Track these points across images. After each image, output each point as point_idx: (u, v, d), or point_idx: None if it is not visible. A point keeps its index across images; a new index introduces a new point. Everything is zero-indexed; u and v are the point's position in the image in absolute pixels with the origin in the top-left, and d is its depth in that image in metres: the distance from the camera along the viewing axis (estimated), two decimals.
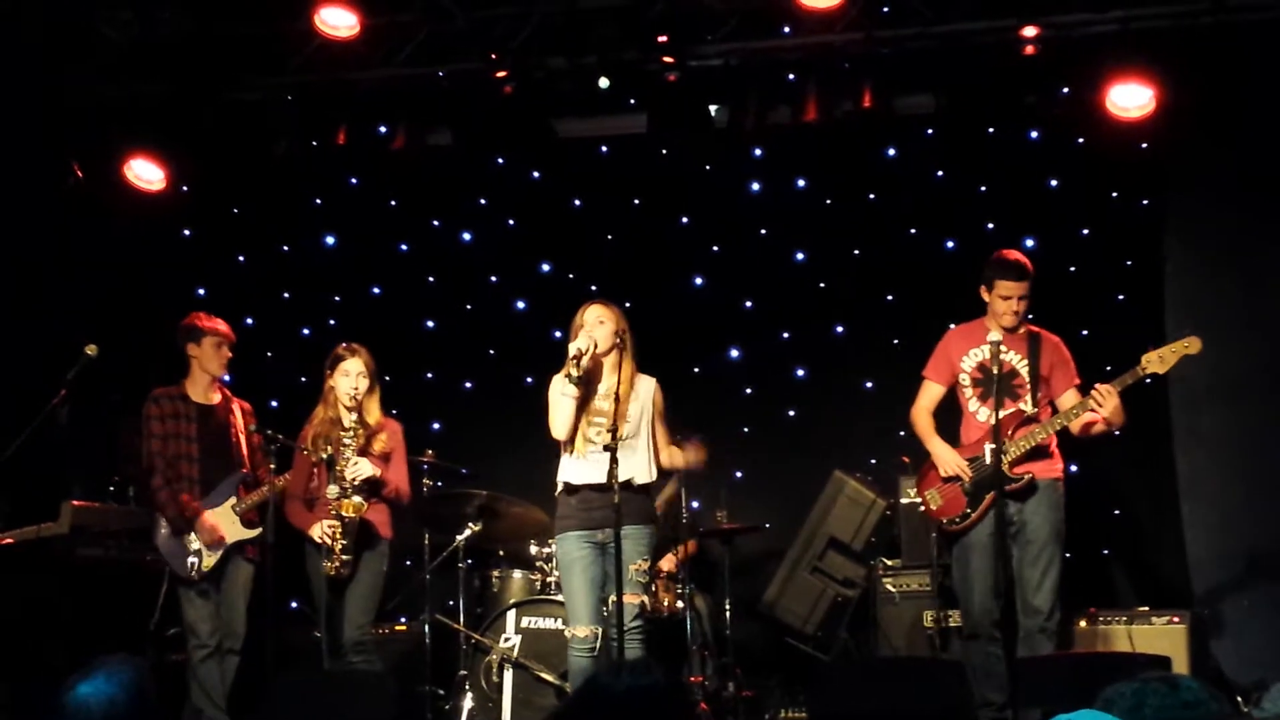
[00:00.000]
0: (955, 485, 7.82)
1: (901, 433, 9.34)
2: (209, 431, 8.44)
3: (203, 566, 8.20)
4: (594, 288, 10.11)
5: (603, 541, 7.27)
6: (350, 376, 7.89)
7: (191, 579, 8.15)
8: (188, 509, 8.18)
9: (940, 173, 10.10)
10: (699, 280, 10.51)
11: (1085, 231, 9.80)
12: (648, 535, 7.39)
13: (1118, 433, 7.86)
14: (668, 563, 8.69)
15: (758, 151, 10.29)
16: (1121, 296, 9.64)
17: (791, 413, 10.27)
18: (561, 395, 7.30)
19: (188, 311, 8.77)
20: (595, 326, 7.38)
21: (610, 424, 7.16)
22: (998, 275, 7.80)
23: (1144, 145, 9.25)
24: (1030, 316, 7.88)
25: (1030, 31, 8.69)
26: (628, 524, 7.16)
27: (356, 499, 7.76)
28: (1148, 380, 7.70)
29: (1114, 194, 9.71)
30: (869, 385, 10.08)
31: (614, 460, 7.07)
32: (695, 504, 9.34)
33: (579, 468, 7.35)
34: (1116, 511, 9.64)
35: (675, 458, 7.65)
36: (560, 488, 7.44)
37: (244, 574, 8.38)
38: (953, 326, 8.15)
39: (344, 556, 7.75)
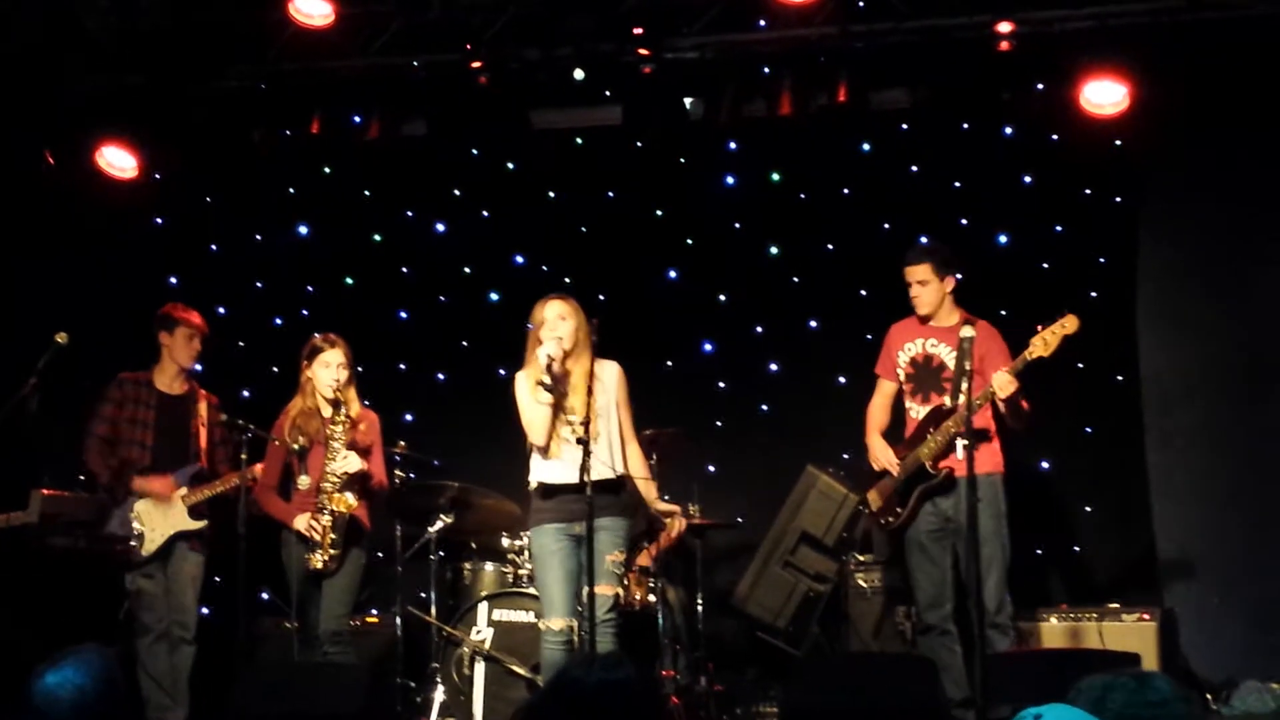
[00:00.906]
0: (889, 482, 7.90)
1: None
2: (168, 421, 8.52)
3: (144, 550, 8.24)
4: (567, 280, 10.09)
5: (579, 534, 7.21)
6: (331, 368, 7.87)
7: (132, 559, 8.20)
8: (126, 478, 8.29)
9: (914, 168, 10.10)
10: (673, 273, 10.49)
11: (1058, 228, 9.81)
12: (624, 527, 7.39)
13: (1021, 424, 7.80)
14: (644, 558, 8.69)
15: (732, 145, 10.28)
16: (1094, 293, 9.65)
17: (764, 407, 10.26)
18: (538, 403, 7.25)
19: (160, 300, 8.83)
20: (557, 324, 7.32)
21: (583, 418, 7.14)
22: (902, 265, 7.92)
23: (1118, 142, 9.26)
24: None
25: (1005, 27, 8.72)
26: (604, 516, 7.13)
27: (349, 496, 7.75)
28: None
29: (1087, 191, 9.73)
30: (842, 380, 10.06)
31: (586, 454, 7.05)
32: (666, 498, 9.33)
33: (555, 468, 7.29)
34: (1088, 508, 9.65)
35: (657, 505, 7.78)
36: (534, 486, 7.41)
37: (191, 564, 8.44)
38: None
39: (332, 551, 7.75)
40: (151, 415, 8.51)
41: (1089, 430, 9.57)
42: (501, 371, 9.15)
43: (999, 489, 7.77)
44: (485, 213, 10.71)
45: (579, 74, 9.22)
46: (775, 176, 10.35)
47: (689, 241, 10.46)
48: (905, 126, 9.91)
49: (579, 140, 10.40)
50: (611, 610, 7.20)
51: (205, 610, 8.68)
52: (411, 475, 9.13)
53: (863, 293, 10.07)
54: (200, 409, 8.63)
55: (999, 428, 7.82)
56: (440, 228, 10.79)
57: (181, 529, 8.39)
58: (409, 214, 10.79)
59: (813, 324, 10.26)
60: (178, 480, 8.41)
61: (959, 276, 8.07)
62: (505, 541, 8.80)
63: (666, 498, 9.18)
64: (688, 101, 9.48)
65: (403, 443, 9.05)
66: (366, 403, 8.21)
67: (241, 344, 10.53)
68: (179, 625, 8.39)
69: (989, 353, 7.74)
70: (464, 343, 10.59)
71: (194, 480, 8.46)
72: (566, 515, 7.25)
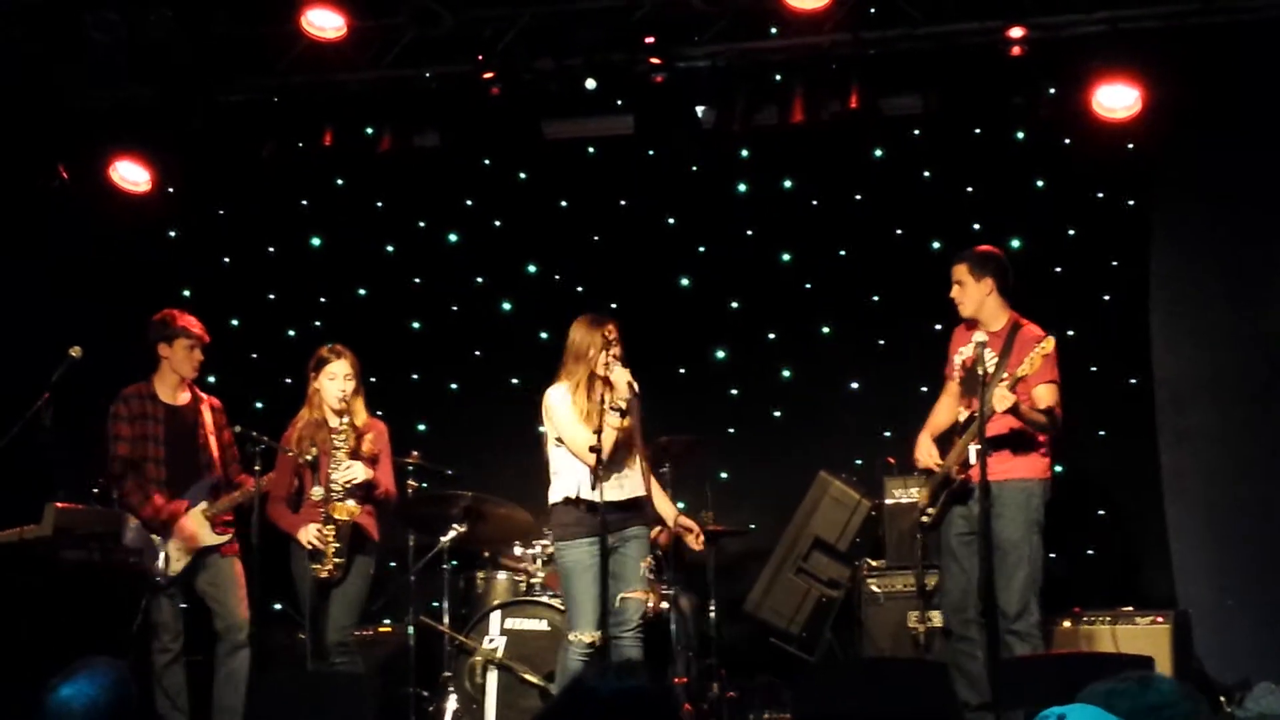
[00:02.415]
0: (933, 480, 7.88)
1: (887, 433, 9.37)
2: (177, 432, 8.36)
3: (169, 570, 8.18)
4: (580, 289, 10.12)
5: (611, 545, 7.33)
6: (337, 379, 7.86)
7: (158, 582, 8.14)
8: (164, 511, 8.18)
9: (927, 173, 10.09)
10: (685, 281, 10.49)
11: (1071, 232, 9.80)
12: (648, 536, 7.53)
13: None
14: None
15: (745, 152, 10.28)
16: (1107, 297, 9.65)
17: (777, 413, 10.26)
18: (609, 427, 7.24)
19: None
20: (616, 346, 7.36)
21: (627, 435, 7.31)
22: None
23: (1130, 146, 9.26)
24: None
25: (1017, 33, 8.71)
26: (634, 525, 7.38)
27: (350, 503, 7.75)
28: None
29: (1100, 195, 9.72)
30: (855, 386, 10.07)
31: (642, 461, 7.20)
32: (681, 505, 9.33)
33: (610, 489, 7.35)
34: (1101, 512, 9.64)
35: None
36: (564, 499, 7.43)
37: (226, 568, 8.31)
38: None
39: (336, 560, 7.74)
40: (161, 429, 8.32)
41: (1102, 433, 9.56)
42: (514, 380, 9.19)
43: (1034, 496, 7.68)
44: (497, 222, 10.72)
45: (590, 84, 9.23)
46: (787, 183, 10.35)
47: (701, 249, 10.46)
48: (917, 132, 9.90)
49: (591, 150, 10.41)
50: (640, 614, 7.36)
51: None
52: (424, 485, 9.13)
53: (875, 299, 10.08)
54: (205, 416, 8.54)
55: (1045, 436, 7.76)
56: (452, 238, 10.81)
57: (208, 544, 8.31)
58: (421, 224, 10.81)
59: (825, 330, 10.25)
60: (194, 498, 8.33)
61: (1009, 280, 7.93)
62: (518, 550, 8.81)
63: (682, 506, 9.23)
64: (700, 110, 9.48)
65: (416, 452, 9.05)
66: (379, 413, 8.21)
67: (255, 355, 10.56)
68: (233, 629, 8.22)
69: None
70: (476, 352, 10.60)
71: (212, 492, 8.39)
72: (599, 527, 7.28)
